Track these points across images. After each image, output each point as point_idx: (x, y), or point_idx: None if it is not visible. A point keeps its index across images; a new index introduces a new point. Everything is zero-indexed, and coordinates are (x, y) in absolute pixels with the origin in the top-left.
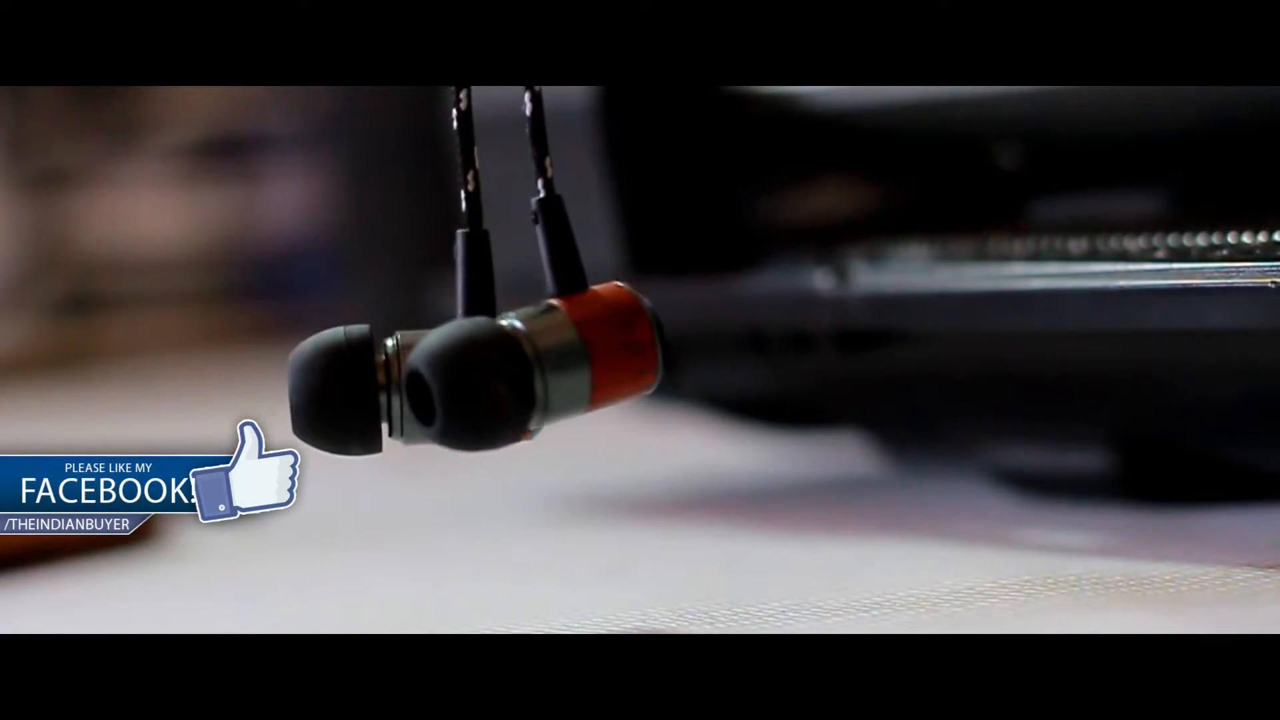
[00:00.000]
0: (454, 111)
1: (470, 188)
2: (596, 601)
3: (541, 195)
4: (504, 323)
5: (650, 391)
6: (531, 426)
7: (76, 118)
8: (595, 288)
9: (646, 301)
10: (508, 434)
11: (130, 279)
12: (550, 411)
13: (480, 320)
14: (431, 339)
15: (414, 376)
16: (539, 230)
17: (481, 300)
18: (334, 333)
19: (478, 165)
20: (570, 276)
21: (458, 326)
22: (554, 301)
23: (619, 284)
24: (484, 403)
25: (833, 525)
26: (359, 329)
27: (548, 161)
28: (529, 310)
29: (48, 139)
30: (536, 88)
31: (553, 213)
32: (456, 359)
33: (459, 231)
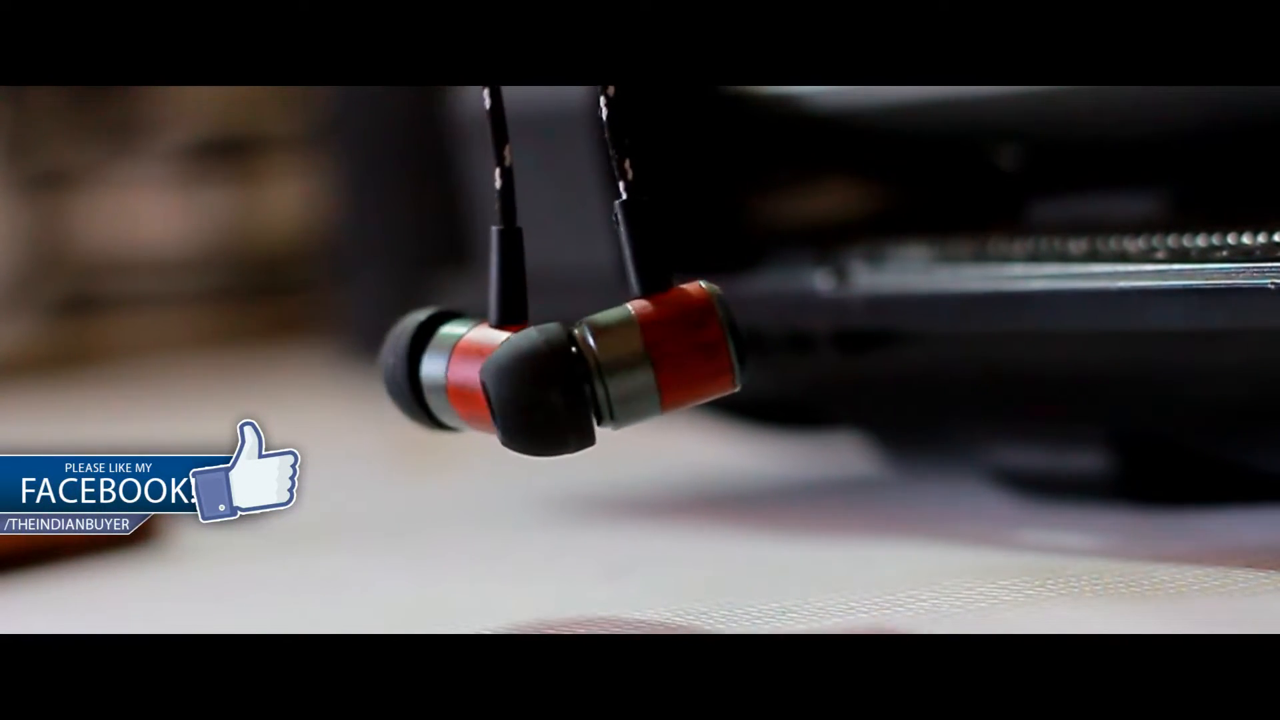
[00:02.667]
0: (486, 107)
1: (500, 183)
2: (596, 601)
3: (624, 198)
4: (576, 330)
5: (734, 390)
6: (609, 428)
7: (76, 118)
8: (678, 286)
9: (721, 300)
10: (570, 441)
11: (130, 279)
12: (618, 417)
13: (548, 329)
14: (499, 349)
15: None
16: (621, 231)
17: (514, 299)
18: (529, 337)
19: (509, 161)
20: (653, 276)
21: (524, 337)
22: (630, 305)
23: (699, 283)
24: (537, 416)
25: (832, 525)
26: (553, 328)
27: (628, 164)
28: (602, 315)
29: (48, 139)
30: (610, 90)
31: (634, 214)
32: (509, 371)
33: (493, 228)
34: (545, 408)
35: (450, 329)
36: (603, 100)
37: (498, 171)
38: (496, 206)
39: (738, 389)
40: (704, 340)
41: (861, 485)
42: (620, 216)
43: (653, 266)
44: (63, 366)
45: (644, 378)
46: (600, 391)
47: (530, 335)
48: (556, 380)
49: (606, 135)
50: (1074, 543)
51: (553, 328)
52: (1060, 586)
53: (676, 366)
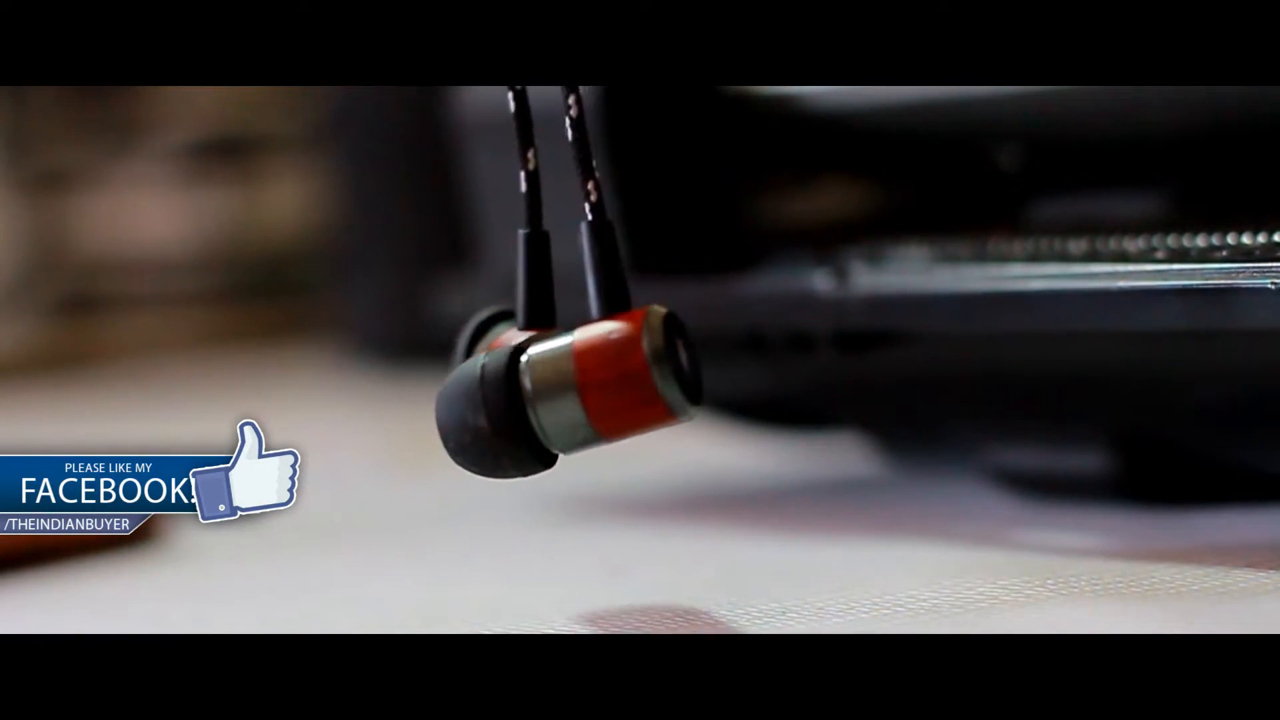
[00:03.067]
0: (511, 108)
1: (526, 186)
2: (596, 601)
3: (590, 219)
4: (524, 356)
5: (677, 420)
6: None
7: (76, 118)
8: (630, 311)
9: (654, 328)
10: (506, 466)
11: (130, 279)
12: (557, 445)
13: (497, 354)
14: (454, 371)
15: None
16: (585, 252)
17: (540, 302)
18: (474, 362)
19: (534, 165)
20: (614, 298)
21: (472, 361)
22: (575, 332)
23: (646, 309)
24: (464, 438)
25: (832, 526)
26: (500, 354)
27: (591, 186)
28: (544, 343)
29: (48, 139)
30: (574, 112)
31: (600, 236)
32: (449, 394)
33: (520, 231)
34: (475, 433)
35: (497, 329)
36: (568, 121)
37: (523, 175)
38: (524, 210)
39: (680, 419)
40: (628, 370)
41: (861, 485)
42: (585, 238)
43: (614, 289)
44: (63, 366)
45: (573, 407)
46: (534, 420)
47: (475, 361)
48: (486, 407)
49: (574, 156)
50: (1074, 543)
51: (500, 354)
52: (1060, 586)
53: (604, 396)
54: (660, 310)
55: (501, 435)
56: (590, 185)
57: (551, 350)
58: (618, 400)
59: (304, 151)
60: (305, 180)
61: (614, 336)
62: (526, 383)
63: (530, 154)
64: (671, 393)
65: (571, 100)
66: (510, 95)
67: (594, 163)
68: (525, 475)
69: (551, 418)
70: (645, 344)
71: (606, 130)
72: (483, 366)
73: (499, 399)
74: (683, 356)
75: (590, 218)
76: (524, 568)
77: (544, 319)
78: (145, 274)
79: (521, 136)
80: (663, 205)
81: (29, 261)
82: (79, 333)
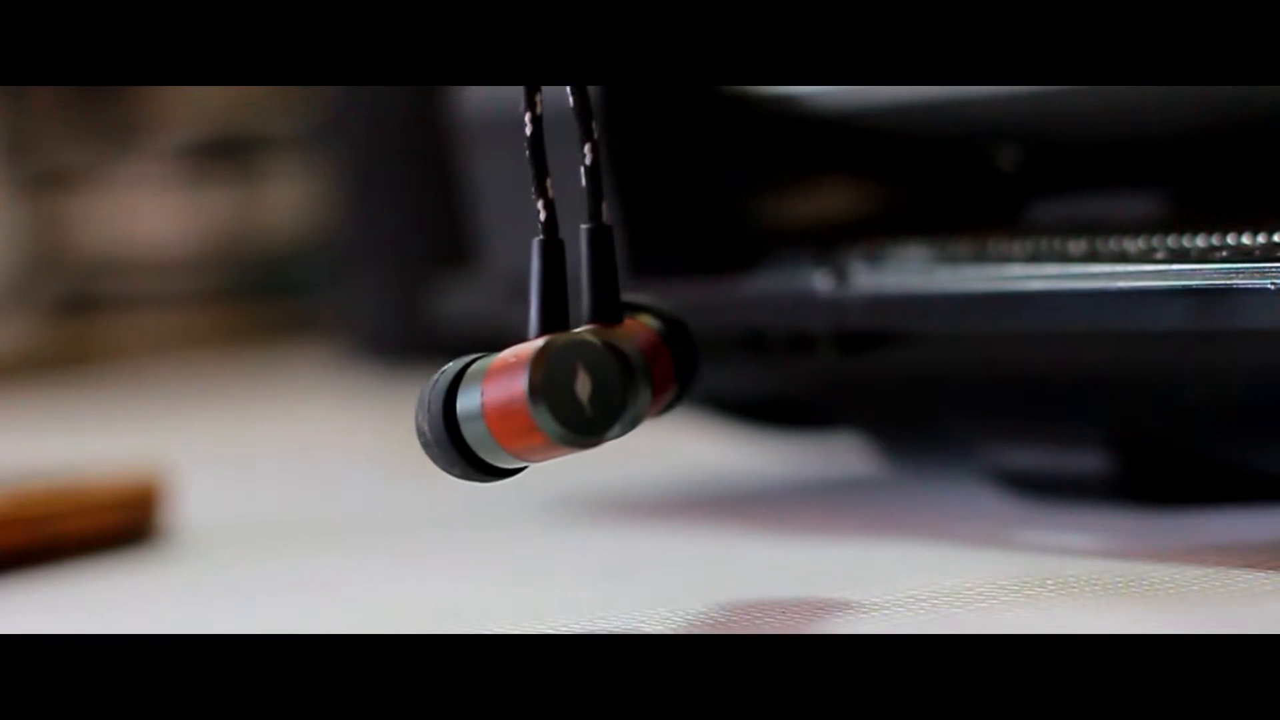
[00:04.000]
0: (527, 117)
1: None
2: (596, 601)
3: (590, 225)
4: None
5: (567, 449)
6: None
7: (76, 118)
8: (545, 337)
9: (547, 355)
10: (452, 469)
11: (130, 279)
12: (487, 458)
13: (459, 362)
14: None
15: None
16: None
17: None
18: (445, 367)
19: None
20: (550, 318)
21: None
22: (501, 353)
23: (559, 335)
24: (420, 439)
25: (832, 525)
26: (462, 361)
27: (541, 204)
28: (481, 359)
29: (48, 139)
30: (535, 114)
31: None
32: (419, 395)
33: (583, 226)
34: (421, 435)
35: None
36: (527, 125)
37: (583, 170)
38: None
39: (571, 449)
40: (510, 398)
41: (861, 485)
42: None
43: (550, 308)
44: (63, 366)
45: (482, 425)
46: (464, 433)
47: (447, 365)
48: (428, 415)
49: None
50: (1074, 543)
51: (458, 363)
52: (1060, 586)
53: (498, 418)
54: (564, 338)
55: (437, 444)
56: (541, 203)
57: (479, 366)
58: (510, 424)
59: (304, 151)
60: (305, 180)
61: (511, 361)
62: (458, 397)
63: (588, 148)
64: (548, 424)
65: (538, 99)
66: (570, 91)
67: (548, 179)
68: (477, 481)
69: (472, 433)
70: (524, 376)
71: (607, 131)
72: (441, 373)
73: (436, 409)
74: (581, 386)
75: (541, 235)
76: (524, 568)
77: (610, 315)
78: (145, 274)
79: (583, 129)
80: (663, 206)
81: (29, 261)
82: (79, 333)
